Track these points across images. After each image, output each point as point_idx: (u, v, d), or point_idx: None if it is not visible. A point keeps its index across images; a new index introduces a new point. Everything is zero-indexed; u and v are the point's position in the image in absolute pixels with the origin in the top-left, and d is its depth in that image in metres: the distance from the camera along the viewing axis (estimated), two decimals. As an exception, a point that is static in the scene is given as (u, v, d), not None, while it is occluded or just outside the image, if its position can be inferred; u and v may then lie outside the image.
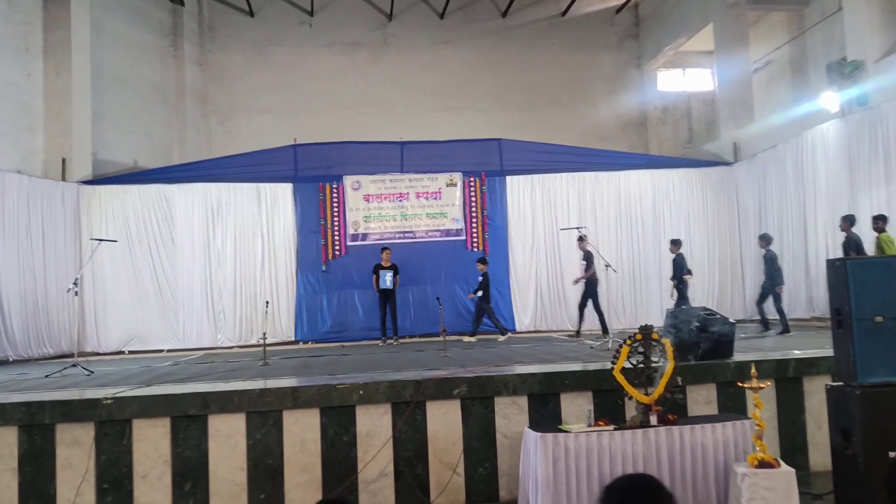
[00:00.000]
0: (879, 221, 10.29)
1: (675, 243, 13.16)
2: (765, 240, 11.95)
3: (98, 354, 13.25)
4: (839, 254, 11.27)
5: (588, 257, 12.66)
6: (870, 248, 10.29)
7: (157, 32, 16.84)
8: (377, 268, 13.30)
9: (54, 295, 12.70)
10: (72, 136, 13.51)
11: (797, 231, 12.74)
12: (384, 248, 13.52)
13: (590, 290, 12.55)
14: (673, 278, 12.97)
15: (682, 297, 12.74)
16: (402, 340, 13.32)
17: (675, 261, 13.00)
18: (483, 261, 13.41)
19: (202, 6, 17.90)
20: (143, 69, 16.33)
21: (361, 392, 6.05)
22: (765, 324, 11.74)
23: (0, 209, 11.87)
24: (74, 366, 8.89)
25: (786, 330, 11.17)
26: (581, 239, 12.74)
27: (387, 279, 13.15)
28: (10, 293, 11.90)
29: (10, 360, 11.68)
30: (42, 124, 13.35)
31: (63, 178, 13.42)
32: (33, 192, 12.59)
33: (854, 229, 10.50)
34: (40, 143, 13.31)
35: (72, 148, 13.52)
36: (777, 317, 11.47)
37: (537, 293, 14.69)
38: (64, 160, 13.45)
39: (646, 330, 5.86)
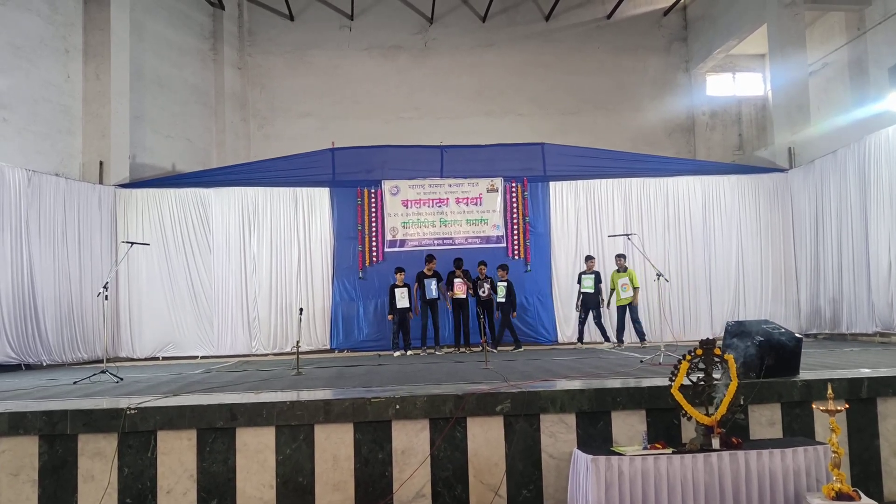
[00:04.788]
0: (621, 259, 12.99)
1: (503, 268, 13.13)
2: (591, 260, 13.24)
3: (132, 360, 13.17)
4: None
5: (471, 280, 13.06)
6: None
7: (197, 36, 16.79)
8: (421, 276, 12.95)
9: (89, 299, 12.64)
10: (110, 138, 13.49)
11: (858, 241, 12.03)
12: (430, 257, 13.15)
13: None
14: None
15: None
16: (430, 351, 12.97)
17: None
18: (504, 267, 13.25)
19: (242, 10, 17.86)
20: (182, 72, 16.29)
21: (398, 406, 5.69)
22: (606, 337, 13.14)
23: (36, 212, 11.79)
24: (104, 372, 8.68)
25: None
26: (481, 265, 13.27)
27: (432, 288, 12.81)
28: (46, 297, 11.83)
29: (44, 364, 11.62)
30: (80, 126, 13.37)
31: (100, 181, 13.36)
32: (70, 194, 12.51)
33: None
34: (78, 145, 13.31)
35: (110, 150, 13.49)
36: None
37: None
38: (101, 163, 13.42)
39: (707, 344, 5.41)
